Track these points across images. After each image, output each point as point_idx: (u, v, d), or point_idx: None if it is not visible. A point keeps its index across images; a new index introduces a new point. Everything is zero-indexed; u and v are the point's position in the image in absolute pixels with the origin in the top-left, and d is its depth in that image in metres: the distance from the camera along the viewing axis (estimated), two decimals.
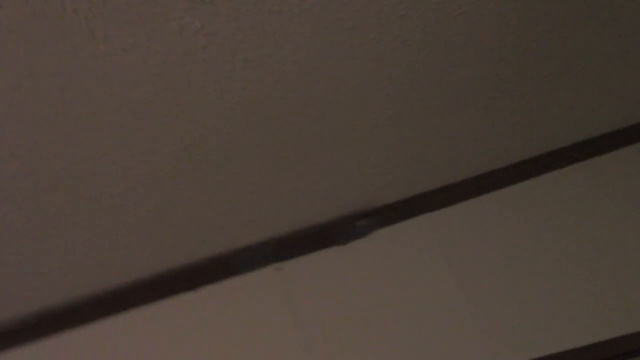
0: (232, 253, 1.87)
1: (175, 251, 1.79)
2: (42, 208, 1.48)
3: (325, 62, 1.32)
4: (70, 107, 1.23)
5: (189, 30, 1.14)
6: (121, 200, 1.53)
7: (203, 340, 1.79)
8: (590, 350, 1.58)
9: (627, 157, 1.90)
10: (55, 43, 1.09)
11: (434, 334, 1.70)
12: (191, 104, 1.32)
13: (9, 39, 1.06)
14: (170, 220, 1.65)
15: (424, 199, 1.94)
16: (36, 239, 1.58)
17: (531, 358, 1.61)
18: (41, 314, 1.90)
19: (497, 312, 1.70)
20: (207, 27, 1.15)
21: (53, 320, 1.88)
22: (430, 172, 1.88)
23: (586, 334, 1.62)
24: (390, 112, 1.56)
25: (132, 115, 1.29)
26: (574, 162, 1.94)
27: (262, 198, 1.72)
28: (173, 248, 1.77)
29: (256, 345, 1.76)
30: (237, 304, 1.83)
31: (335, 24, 1.24)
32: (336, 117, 1.51)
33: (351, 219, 1.91)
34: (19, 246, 1.60)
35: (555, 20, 1.42)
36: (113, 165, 1.41)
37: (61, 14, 1.04)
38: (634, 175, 1.88)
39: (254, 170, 1.60)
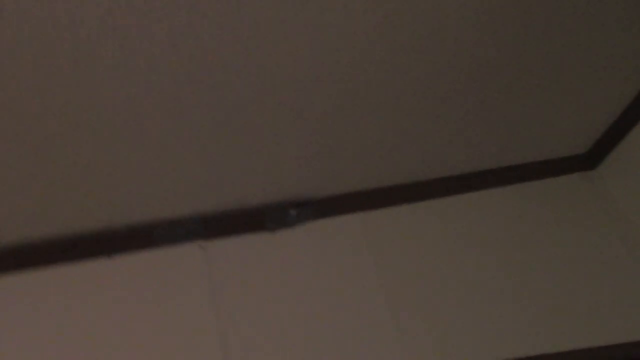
0: (155, 223, 1.78)
1: (96, 212, 1.68)
2: None
3: (282, 34, 1.28)
4: (4, 35, 1.12)
5: None
6: (43, 146, 1.42)
7: (114, 309, 1.69)
8: None
9: (559, 186, 1.99)
10: None
11: (352, 332, 1.69)
12: (137, 54, 1.24)
13: None
14: (94, 176, 1.55)
15: (358, 197, 1.93)
16: None
17: None
18: None
19: (416, 317, 1.71)
20: None
21: None
22: (368, 171, 1.88)
23: (501, 349, 1.65)
24: (337, 105, 1.55)
25: (72, 55, 1.20)
26: (509, 183, 1.99)
27: (196, 170, 1.65)
28: (94, 208, 1.66)
29: (169, 320, 1.68)
30: (155, 276, 1.74)
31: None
32: (284, 99, 1.48)
33: (284, 206, 1.87)
34: None
35: (510, 39, 1.46)
36: (40, 107, 1.31)
37: None
38: (562, 203, 1.96)
39: (191, 138, 1.53)
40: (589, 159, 2.04)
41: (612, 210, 1.92)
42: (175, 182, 1.67)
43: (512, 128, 1.85)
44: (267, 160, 1.69)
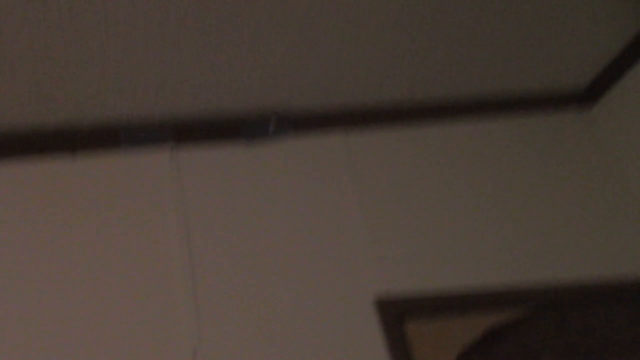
0: (123, 123, 1.66)
1: (58, 106, 1.55)
2: None
3: None
4: None
5: None
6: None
7: (74, 212, 1.58)
8: (475, 293, 1.57)
9: (554, 121, 1.94)
10: None
11: (326, 250, 1.62)
12: None
13: None
14: (55, 65, 1.42)
15: (342, 115, 1.83)
16: None
17: (415, 290, 1.57)
18: None
19: (393, 240, 1.65)
20: None
21: None
22: (353, 88, 1.78)
23: (474, 276, 1.61)
24: (323, 9, 1.46)
25: None
26: (501, 114, 1.93)
27: (168, 68, 1.54)
28: (56, 101, 1.53)
29: (133, 229, 1.57)
30: (120, 180, 1.63)
31: None
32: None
33: (262, 117, 1.76)
34: None
35: None
36: None
37: None
38: (556, 138, 1.92)
39: (163, 32, 1.42)
40: (587, 96, 1.99)
41: (606, 148, 1.89)
42: (145, 79, 1.56)
43: (509, 56, 1.78)
44: (247, 64, 1.59)
